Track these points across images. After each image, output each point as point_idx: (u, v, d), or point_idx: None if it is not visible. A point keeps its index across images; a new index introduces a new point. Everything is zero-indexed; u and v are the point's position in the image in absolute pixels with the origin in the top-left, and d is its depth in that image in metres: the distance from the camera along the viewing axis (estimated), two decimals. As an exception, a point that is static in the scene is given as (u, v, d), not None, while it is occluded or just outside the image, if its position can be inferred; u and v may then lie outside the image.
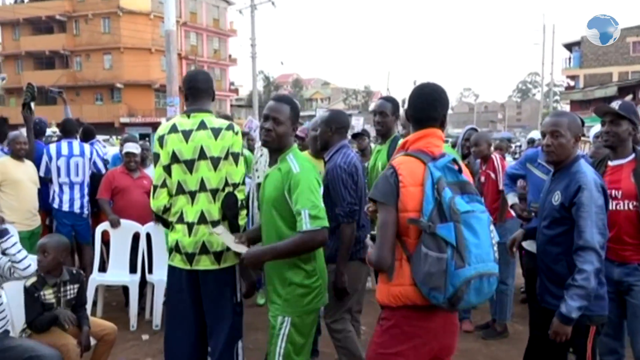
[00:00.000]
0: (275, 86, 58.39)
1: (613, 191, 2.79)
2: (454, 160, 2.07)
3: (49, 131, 7.16)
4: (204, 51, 42.54)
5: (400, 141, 3.52)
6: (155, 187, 2.82)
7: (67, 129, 5.35)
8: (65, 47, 38.00)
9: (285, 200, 2.42)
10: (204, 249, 2.73)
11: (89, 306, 3.97)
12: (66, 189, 5.07)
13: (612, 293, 2.69)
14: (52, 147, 5.16)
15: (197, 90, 2.81)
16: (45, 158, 5.05)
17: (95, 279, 4.68)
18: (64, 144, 5.18)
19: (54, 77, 38.18)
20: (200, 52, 41.37)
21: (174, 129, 2.79)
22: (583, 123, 2.86)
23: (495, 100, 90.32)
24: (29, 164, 4.85)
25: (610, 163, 2.91)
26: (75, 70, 38.84)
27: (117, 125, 33.81)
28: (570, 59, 38.79)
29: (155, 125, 14.92)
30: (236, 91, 49.35)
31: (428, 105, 2.13)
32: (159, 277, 4.61)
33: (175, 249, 2.78)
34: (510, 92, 79.37)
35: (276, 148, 2.54)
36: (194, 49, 40.90)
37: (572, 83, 38.52)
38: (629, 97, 26.61)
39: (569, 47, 38.96)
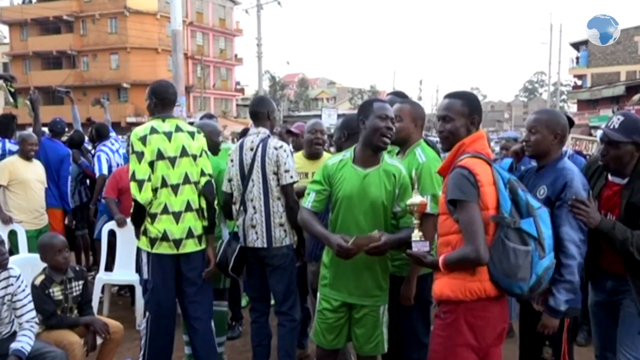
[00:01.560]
0: (281, 86, 58.41)
1: (608, 214, 2.54)
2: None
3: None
4: (210, 51, 42.65)
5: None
6: (141, 182, 3.04)
7: (103, 133, 5.93)
8: (72, 47, 38.22)
9: (393, 196, 2.66)
10: (190, 234, 3.13)
11: (95, 305, 3.99)
12: None
13: (605, 304, 2.63)
14: (104, 148, 5.69)
15: (169, 101, 3.26)
16: (105, 158, 5.53)
17: (102, 278, 4.71)
18: (108, 143, 5.75)
19: (62, 77, 38.38)
20: (206, 52, 41.47)
21: (154, 130, 3.12)
22: (572, 122, 2.75)
23: (501, 99, 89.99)
24: (37, 164, 4.90)
25: (609, 177, 2.61)
26: (83, 70, 39.06)
27: (124, 125, 33.93)
28: (577, 58, 38.55)
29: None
30: (242, 91, 49.41)
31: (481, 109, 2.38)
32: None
33: (162, 237, 3.07)
34: (516, 92, 79.15)
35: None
36: (200, 48, 41.01)
37: (579, 82, 38.31)
38: (637, 97, 26.38)
39: (576, 46, 38.74)
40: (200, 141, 3.24)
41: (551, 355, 2.57)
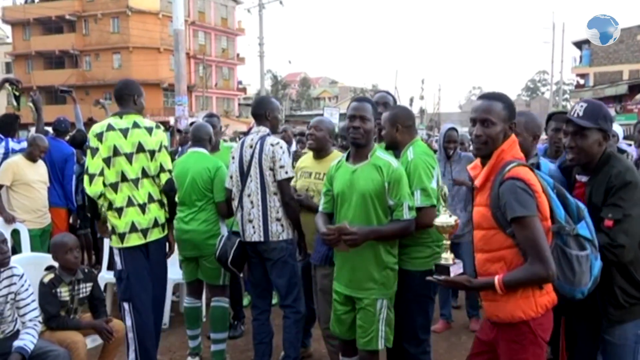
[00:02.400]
0: (283, 85, 58.38)
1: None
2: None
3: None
4: (212, 50, 42.67)
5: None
6: (92, 175, 3.19)
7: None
8: (74, 46, 38.28)
9: (384, 192, 2.69)
10: (155, 223, 3.32)
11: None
12: None
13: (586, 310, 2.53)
14: None
15: (123, 97, 3.36)
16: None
17: (104, 276, 4.72)
18: None
19: (64, 77, 38.42)
20: (208, 51, 41.50)
21: (110, 128, 3.24)
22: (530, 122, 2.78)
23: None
24: (40, 164, 4.92)
25: (577, 176, 2.45)
26: (85, 70, 39.12)
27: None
28: (580, 57, 38.45)
29: (164, 124, 15.06)
30: (244, 90, 49.43)
31: None
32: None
33: (130, 229, 3.24)
34: (519, 91, 78.84)
35: (362, 144, 2.77)
36: (202, 48, 41.03)
37: (581, 81, 38.18)
38: (639, 96, 26.26)
39: (579, 45, 38.62)
40: (159, 136, 3.34)
41: (549, 353, 2.57)
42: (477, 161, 2.25)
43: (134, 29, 36.23)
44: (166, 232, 3.44)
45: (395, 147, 2.95)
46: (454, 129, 4.64)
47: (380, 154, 2.79)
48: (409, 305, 2.84)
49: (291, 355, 3.42)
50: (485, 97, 2.21)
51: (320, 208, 2.97)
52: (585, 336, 2.46)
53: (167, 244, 3.53)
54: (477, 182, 2.17)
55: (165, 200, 3.39)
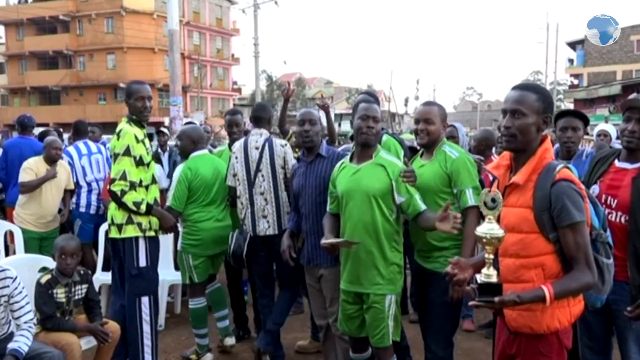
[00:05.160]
0: (278, 85, 58.30)
1: (609, 198, 2.50)
2: None
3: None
4: (207, 50, 42.60)
5: (386, 138, 3.52)
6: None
7: (82, 130, 5.58)
8: (68, 47, 38.10)
9: (389, 191, 2.74)
10: (112, 221, 3.39)
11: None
12: (94, 187, 5.16)
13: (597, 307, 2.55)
14: (71, 149, 5.30)
15: (125, 100, 3.47)
16: (67, 161, 5.12)
17: (99, 278, 4.70)
18: (81, 144, 5.35)
19: (58, 77, 38.29)
20: (203, 52, 41.42)
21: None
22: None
23: (498, 99, 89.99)
24: (61, 167, 4.88)
25: (616, 163, 2.55)
26: (79, 70, 38.95)
27: (121, 124, 33.90)
28: (574, 57, 38.65)
29: (158, 125, 14.98)
30: (239, 90, 49.38)
31: None
32: (162, 276, 4.61)
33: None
34: (513, 91, 78.89)
35: (372, 144, 2.86)
36: (197, 48, 40.95)
37: (575, 81, 38.42)
38: (633, 96, 26.35)
39: (573, 45, 38.85)
40: (124, 138, 3.31)
41: None
42: (500, 160, 2.13)
43: (128, 29, 36.10)
44: (122, 234, 3.35)
45: (433, 145, 2.92)
46: (452, 126, 4.66)
47: (383, 154, 2.87)
48: (444, 308, 2.80)
49: (278, 319, 3.69)
50: (518, 87, 2.06)
51: (327, 209, 3.05)
52: (600, 324, 2.55)
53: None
54: (518, 180, 1.97)
55: (128, 204, 3.30)
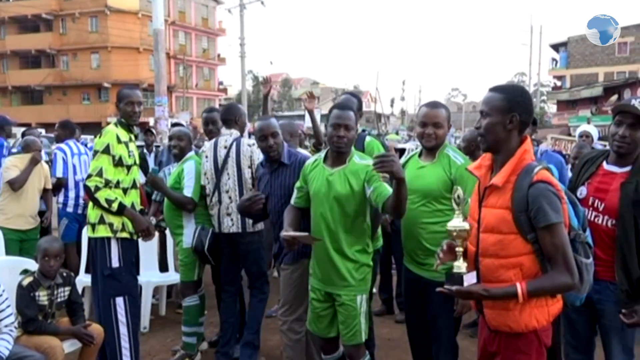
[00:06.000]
0: (263, 80, 57.93)
1: (596, 201, 2.50)
2: None
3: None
4: (192, 50, 42.35)
5: (369, 139, 3.55)
6: None
7: (71, 129, 5.61)
8: (51, 46, 37.63)
9: (361, 196, 2.71)
10: (88, 220, 3.43)
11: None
12: (82, 186, 5.10)
13: (581, 307, 2.52)
14: (64, 146, 5.29)
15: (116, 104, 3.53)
16: (61, 157, 5.14)
17: (82, 280, 4.64)
18: (71, 142, 5.37)
19: (41, 77, 37.76)
20: (188, 52, 41.17)
21: None
22: (535, 122, 2.83)
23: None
24: (39, 170, 4.83)
25: (604, 165, 2.55)
26: (62, 70, 38.48)
27: (105, 125, 33.43)
28: (557, 59, 39.13)
29: (143, 125, 14.87)
30: (225, 91, 49.14)
31: None
32: (146, 278, 4.59)
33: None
34: (498, 92, 79.58)
35: (345, 152, 2.81)
36: (182, 48, 40.68)
37: (559, 83, 38.87)
38: (614, 97, 26.83)
39: (556, 47, 39.33)
40: (105, 137, 3.34)
41: None
42: (480, 161, 2.17)
43: (112, 28, 35.74)
44: (94, 234, 3.36)
45: (437, 147, 2.88)
46: None
47: (357, 158, 2.82)
48: (447, 319, 2.82)
49: (254, 327, 3.78)
50: (490, 89, 2.10)
51: (292, 202, 3.01)
52: (584, 323, 2.58)
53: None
54: (497, 182, 2.00)
55: (101, 201, 3.29)
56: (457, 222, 2.00)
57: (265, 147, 3.21)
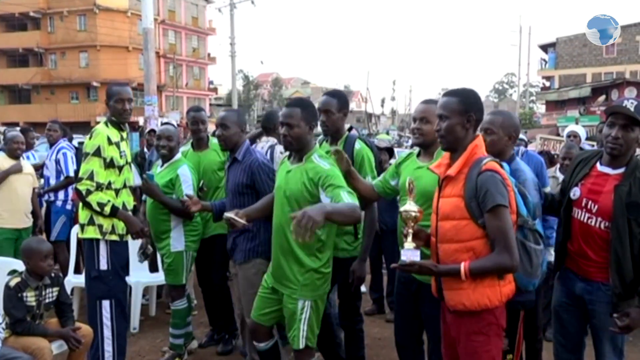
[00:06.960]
0: (255, 85, 58.07)
1: (589, 202, 2.49)
2: None
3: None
4: (182, 50, 42.12)
5: (359, 146, 3.49)
6: None
7: (65, 129, 5.69)
8: (39, 44, 37.20)
9: (314, 198, 2.64)
10: (79, 220, 3.41)
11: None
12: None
13: (572, 306, 2.61)
14: (67, 146, 5.40)
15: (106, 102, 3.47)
16: (70, 156, 5.26)
17: (71, 280, 4.61)
18: (67, 142, 5.47)
19: (28, 75, 37.34)
20: (178, 51, 40.94)
21: None
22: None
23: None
24: (26, 164, 4.83)
25: (598, 166, 2.54)
26: (50, 69, 38.07)
27: (93, 124, 33.18)
28: (546, 60, 39.46)
29: (132, 124, 14.79)
30: (215, 90, 48.95)
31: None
32: (136, 278, 4.56)
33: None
34: (487, 92, 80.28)
35: (293, 149, 2.81)
36: (172, 47, 40.45)
37: (547, 84, 39.21)
38: (602, 98, 27.12)
39: (545, 48, 39.66)
40: (96, 139, 3.29)
41: (506, 345, 2.63)
42: (440, 160, 2.38)
43: (101, 27, 35.42)
44: (83, 235, 3.33)
45: (429, 146, 2.79)
46: None
47: (315, 158, 2.74)
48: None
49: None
50: (444, 94, 2.33)
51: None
52: (575, 322, 2.63)
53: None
54: (451, 172, 2.23)
55: (91, 203, 3.25)
56: (407, 206, 2.27)
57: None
